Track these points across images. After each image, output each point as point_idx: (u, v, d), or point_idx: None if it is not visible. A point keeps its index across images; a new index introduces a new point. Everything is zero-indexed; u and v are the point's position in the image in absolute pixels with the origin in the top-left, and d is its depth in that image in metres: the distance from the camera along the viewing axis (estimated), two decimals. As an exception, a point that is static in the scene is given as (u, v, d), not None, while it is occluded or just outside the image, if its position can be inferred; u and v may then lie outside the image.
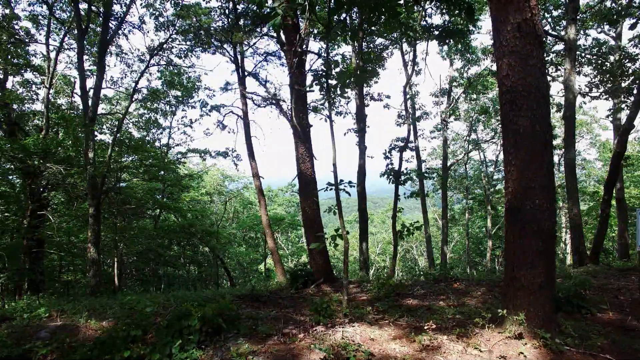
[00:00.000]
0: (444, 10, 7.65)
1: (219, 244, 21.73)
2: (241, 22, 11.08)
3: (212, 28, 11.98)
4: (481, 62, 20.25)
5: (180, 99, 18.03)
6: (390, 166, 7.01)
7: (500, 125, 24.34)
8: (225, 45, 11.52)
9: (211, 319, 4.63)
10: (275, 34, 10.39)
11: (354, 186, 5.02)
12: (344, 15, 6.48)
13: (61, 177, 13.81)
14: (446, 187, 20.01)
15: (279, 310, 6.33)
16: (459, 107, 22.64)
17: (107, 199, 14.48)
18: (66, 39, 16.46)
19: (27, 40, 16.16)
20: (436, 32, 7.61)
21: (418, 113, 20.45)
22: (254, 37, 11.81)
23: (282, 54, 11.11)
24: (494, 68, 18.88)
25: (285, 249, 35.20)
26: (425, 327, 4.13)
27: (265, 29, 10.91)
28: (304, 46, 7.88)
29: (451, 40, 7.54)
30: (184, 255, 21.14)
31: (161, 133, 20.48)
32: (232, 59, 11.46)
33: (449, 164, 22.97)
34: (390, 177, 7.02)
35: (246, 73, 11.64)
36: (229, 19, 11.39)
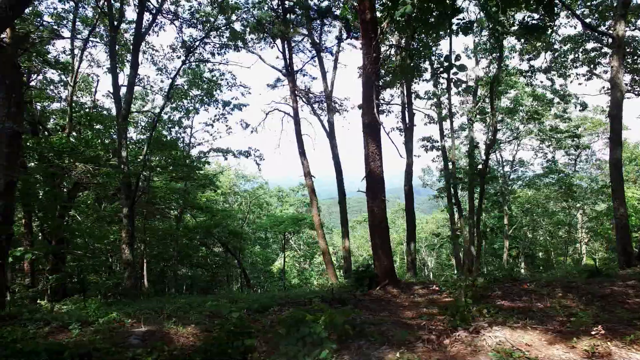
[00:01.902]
0: (523, 5, 7.43)
1: (240, 244, 21.40)
2: (290, 16, 10.80)
3: (252, 22, 11.67)
4: (508, 60, 20.01)
5: (209, 99, 17.54)
6: (480, 166, 6.80)
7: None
8: (277, 41, 11.18)
9: (339, 326, 4.35)
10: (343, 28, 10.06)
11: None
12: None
13: (90, 176, 13.42)
14: (474, 187, 19.73)
15: (374, 314, 6.07)
16: (484, 107, 22.40)
17: (142, 198, 14.12)
18: (90, 36, 16.04)
19: (52, 38, 15.73)
20: (515, 28, 7.43)
21: (444, 112, 20.20)
22: (299, 35, 11.52)
23: (333, 49, 10.85)
24: (523, 67, 18.73)
25: (298, 250, 34.83)
26: (593, 332, 3.89)
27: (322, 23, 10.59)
28: (381, 41, 7.64)
29: (531, 36, 7.35)
30: (210, 256, 20.81)
31: (184, 132, 20.09)
32: (281, 55, 11.17)
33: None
34: (473, 176, 6.80)
35: (295, 69, 11.36)
36: (278, 14, 11.08)
